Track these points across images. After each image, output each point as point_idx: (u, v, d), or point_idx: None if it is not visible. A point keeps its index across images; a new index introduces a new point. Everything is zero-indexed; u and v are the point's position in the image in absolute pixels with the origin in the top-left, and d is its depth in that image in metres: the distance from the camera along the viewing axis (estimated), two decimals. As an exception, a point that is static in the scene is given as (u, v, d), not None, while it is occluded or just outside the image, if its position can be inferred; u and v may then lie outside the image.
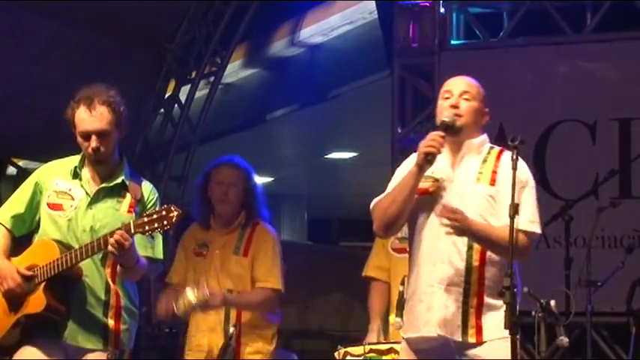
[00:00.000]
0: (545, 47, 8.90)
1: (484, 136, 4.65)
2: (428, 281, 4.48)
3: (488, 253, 4.48)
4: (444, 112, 4.54)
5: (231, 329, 5.60)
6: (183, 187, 10.21)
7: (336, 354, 5.48)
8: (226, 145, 9.81)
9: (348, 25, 10.88)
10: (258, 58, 11.69)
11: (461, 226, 4.37)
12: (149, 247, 4.95)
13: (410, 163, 4.59)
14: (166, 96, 10.33)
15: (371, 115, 10.78)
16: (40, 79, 8.95)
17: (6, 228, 4.97)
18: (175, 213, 4.68)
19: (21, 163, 10.61)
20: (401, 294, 5.18)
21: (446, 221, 4.39)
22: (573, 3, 8.93)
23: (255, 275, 5.85)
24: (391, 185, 4.63)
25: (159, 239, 4.99)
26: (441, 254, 4.46)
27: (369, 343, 5.43)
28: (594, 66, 8.73)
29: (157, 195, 5.06)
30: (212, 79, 10.37)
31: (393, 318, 5.49)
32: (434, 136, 4.43)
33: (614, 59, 8.69)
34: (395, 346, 5.33)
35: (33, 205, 4.98)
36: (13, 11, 8.51)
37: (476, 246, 4.46)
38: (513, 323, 4.20)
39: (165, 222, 4.67)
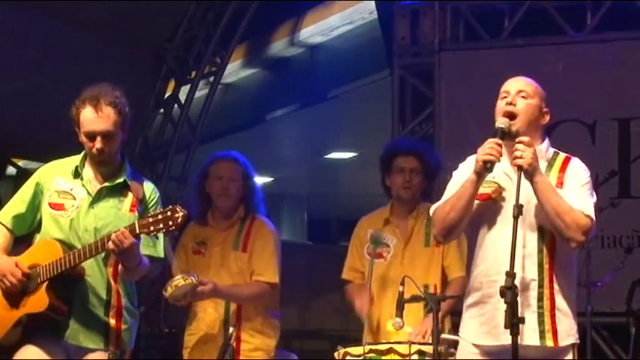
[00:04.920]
0: (545, 47, 8.89)
1: (547, 142, 4.64)
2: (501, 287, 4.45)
3: (558, 257, 4.49)
4: (499, 116, 4.52)
5: (231, 329, 5.60)
6: (183, 187, 10.21)
7: (335, 354, 5.48)
8: (226, 146, 9.76)
9: (348, 25, 10.88)
10: (258, 58, 11.70)
11: (532, 162, 4.36)
12: (151, 246, 4.96)
13: (468, 166, 4.58)
14: (166, 96, 10.32)
15: (371, 115, 10.78)
16: (40, 79, 8.94)
17: (7, 228, 4.98)
18: (181, 214, 4.68)
19: (21, 163, 10.60)
20: (401, 294, 5.18)
21: (518, 152, 4.37)
22: (573, 3, 8.92)
23: (252, 268, 5.84)
24: (449, 189, 4.62)
25: (160, 237, 4.99)
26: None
27: (369, 343, 5.43)
28: (594, 66, 8.73)
29: (158, 194, 5.06)
30: (212, 79, 10.37)
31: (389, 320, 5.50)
32: (491, 143, 4.41)
33: (614, 59, 8.68)
34: (395, 346, 5.33)
35: (34, 205, 4.98)
36: (13, 11, 8.50)
37: (545, 250, 4.47)
38: (514, 323, 4.19)
39: (170, 222, 4.68)
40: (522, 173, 4.38)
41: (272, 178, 14.81)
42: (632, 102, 8.56)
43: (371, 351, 5.35)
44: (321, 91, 11.39)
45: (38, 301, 4.79)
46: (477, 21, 9.16)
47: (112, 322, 4.92)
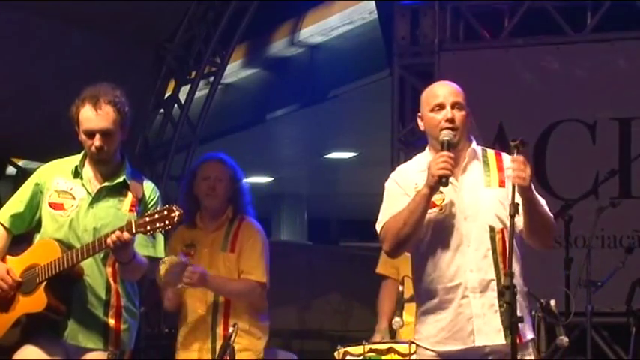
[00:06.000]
0: (545, 47, 8.91)
1: (474, 141, 4.60)
2: (460, 292, 4.42)
3: (509, 255, 4.41)
4: (441, 130, 4.47)
5: (231, 328, 5.60)
6: (183, 187, 10.20)
7: (335, 353, 5.48)
8: (226, 145, 9.81)
9: (348, 25, 10.90)
10: (258, 58, 11.71)
11: (527, 181, 4.33)
12: (150, 246, 4.96)
13: (402, 179, 4.56)
14: (166, 96, 10.33)
15: (371, 115, 10.79)
16: (39, 79, 8.95)
17: (4, 227, 4.98)
18: (177, 213, 4.69)
19: (21, 163, 10.61)
20: (400, 293, 5.18)
21: (518, 172, 4.34)
22: (573, 3, 8.93)
23: (240, 268, 5.84)
24: (387, 202, 4.57)
25: (159, 238, 5.01)
26: (468, 263, 4.41)
27: (369, 343, 5.43)
28: (594, 66, 8.74)
29: (158, 194, 5.07)
30: (212, 79, 10.38)
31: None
32: (445, 157, 4.36)
33: (614, 59, 8.69)
34: (395, 345, 5.34)
35: (33, 205, 4.98)
36: (13, 11, 8.51)
37: (499, 249, 4.45)
38: (513, 323, 4.19)
39: (166, 222, 4.69)
40: (517, 189, 4.34)
41: (272, 178, 14.82)
42: (632, 102, 8.58)
43: (371, 350, 5.35)
44: (321, 91, 11.40)
45: (37, 301, 4.79)
46: (477, 21, 9.17)
47: (112, 321, 4.92)
